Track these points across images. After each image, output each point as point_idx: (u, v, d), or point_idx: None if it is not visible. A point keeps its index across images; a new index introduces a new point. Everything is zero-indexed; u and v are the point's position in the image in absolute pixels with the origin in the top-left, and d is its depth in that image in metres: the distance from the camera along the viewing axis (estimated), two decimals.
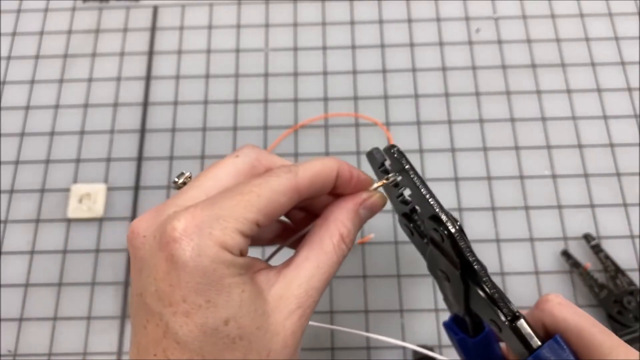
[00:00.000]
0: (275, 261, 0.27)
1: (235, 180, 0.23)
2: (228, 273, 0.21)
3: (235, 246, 0.21)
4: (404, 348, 0.42)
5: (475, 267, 0.24)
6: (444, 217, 0.24)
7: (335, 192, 0.25)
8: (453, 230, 0.24)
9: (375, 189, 0.26)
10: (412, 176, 0.25)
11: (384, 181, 0.26)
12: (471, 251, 0.24)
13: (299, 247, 0.24)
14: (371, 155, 0.27)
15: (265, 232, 0.29)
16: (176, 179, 0.25)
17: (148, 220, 0.22)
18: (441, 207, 0.24)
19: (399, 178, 0.26)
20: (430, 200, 0.24)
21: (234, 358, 0.21)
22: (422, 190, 0.25)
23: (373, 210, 0.26)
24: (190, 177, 0.25)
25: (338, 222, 0.24)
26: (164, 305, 0.21)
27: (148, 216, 0.23)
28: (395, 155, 0.25)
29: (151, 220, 0.22)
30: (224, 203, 0.21)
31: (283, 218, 0.28)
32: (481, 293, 0.24)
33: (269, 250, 0.30)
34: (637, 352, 0.23)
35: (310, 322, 0.27)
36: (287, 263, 0.24)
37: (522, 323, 0.23)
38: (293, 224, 0.29)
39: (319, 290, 0.23)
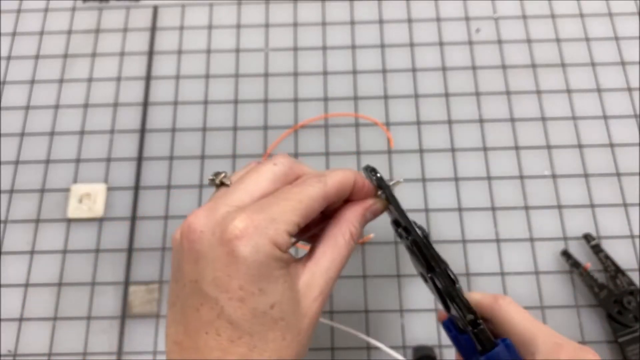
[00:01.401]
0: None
1: (273, 185, 0.27)
2: (276, 266, 0.25)
3: (284, 244, 0.25)
4: (403, 348, 0.42)
5: (437, 270, 0.28)
6: (410, 226, 0.29)
7: (348, 199, 0.30)
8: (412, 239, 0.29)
9: (379, 196, 0.31)
10: (387, 194, 0.30)
11: (381, 194, 0.31)
12: (435, 258, 0.28)
13: (317, 243, 0.28)
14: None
15: None
16: (213, 177, 0.28)
17: (204, 217, 0.25)
18: (408, 220, 0.29)
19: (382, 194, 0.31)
20: (403, 212, 0.30)
21: (275, 336, 0.25)
22: (398, 206, 0.30)
23: (376, 214, 0.31)
24: (225, 176, 0.28)
25: (349, 222, 0.29)
26: (221, 292, 0.24)
27: (203, 214, 0.26)
28: (374, 180, 0.31)
29: (207, 218, 0.25)
30: (275, 208, 0.25)
31: None
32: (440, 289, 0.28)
33: None
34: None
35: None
36: (309, 257, 0.28)
37: (483, 329, 0.27)
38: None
39: (334, 279, 0.27)
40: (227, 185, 0.28)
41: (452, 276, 0.28)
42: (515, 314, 0.29)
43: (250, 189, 0.27)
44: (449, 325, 0.31)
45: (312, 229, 0.31)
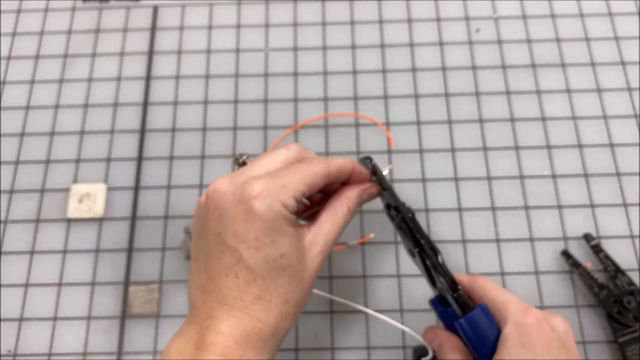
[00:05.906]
0: None
1: (284, 165, 0.33)
2: (285, 223, 0.30)
3: (291, 206, 0.30)
4: (403, 348, 0.42)
5: (422, 242, 0.34)
6: (400, 206, 0.35)
7: (345, 182, 0.35)
8: (402, 216, 0.35)
9: (374, 182, 0.37)
10: (380, 177, 0.36)
11: (375, 179, 0.37)
12: (420, 232, 0.34)
13: (319, 213, 0.34)
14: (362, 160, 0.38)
15: None
16: (237, 156, 0.39)
17: (226, 182, 0.31)
18: (399, 200, 0.36)
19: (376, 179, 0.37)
20: (394, 194, 0.36)
21: (283, 280, 0.30)
22: (391, 189, 0.36)
23: (371, 196, 0.36)
24: (247, 158, 0.38)
25: (348, 198, 0.34)
26: (239, 242, 0.29)
27: (225, 180, 0.31)
28: (370, 167, 0.36)
29: (229, 183, 0.31)
30: (285, 177, 0.31)
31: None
32: (429, 264, 0.34)
33: None
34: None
35: (315, 291, 0.38)
36: (313, 222, 0.33)
37: (461, 294, 0.33)
38: (310, 202, 0.37)
39: (332, 242, 0.33)
40: (246, 165, 0.34)
41: (435, 248, 0.34)
42: (490, 286, 0.34)
43: (266, 166, 0.32)
44: (436, 302, 0.35)
45: (314, 207, 0.36)
